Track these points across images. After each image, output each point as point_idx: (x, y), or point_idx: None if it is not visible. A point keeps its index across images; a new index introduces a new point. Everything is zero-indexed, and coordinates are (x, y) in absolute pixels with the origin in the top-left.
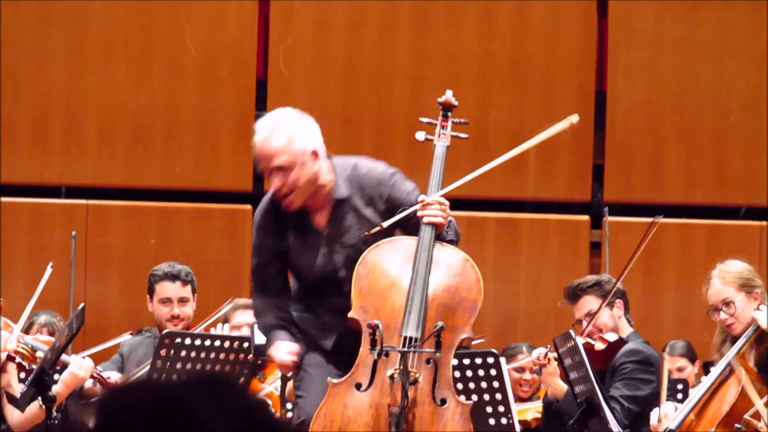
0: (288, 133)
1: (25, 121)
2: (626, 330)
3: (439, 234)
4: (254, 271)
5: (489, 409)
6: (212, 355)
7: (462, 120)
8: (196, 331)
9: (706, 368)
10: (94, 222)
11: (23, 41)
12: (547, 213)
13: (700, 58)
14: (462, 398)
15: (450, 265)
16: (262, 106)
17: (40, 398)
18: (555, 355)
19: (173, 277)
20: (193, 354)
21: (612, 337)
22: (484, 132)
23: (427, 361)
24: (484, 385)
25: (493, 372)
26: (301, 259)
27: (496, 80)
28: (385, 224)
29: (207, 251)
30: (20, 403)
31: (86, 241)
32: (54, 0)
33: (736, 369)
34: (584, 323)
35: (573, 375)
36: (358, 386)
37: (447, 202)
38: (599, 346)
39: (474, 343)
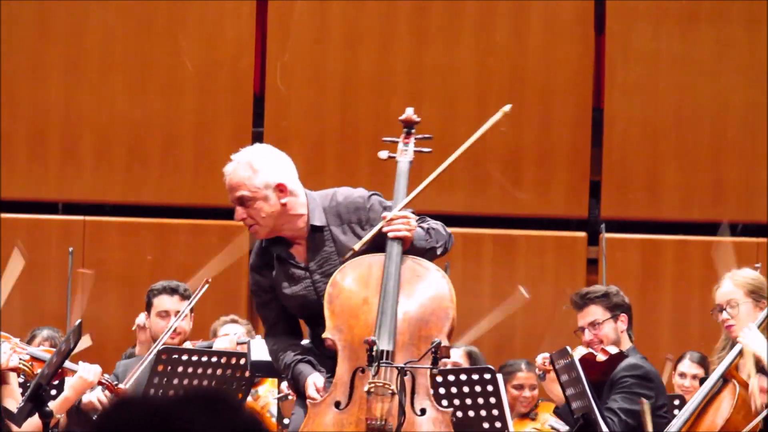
0: (252, 167)
1: (23, 137)
2: (626, 344)
3: (412, 246)
4: (258, 312)
5: (486, 425)
6: (209, 371)
7: (426, 135)
8: (193, 347)
9: (702, 383)
10: (91, 238)
11: (21, 57)
12: (544, 229)
13: (698, 75)
14: (452, 408)
15: (419, 276)
16: (259, 123)
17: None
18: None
19: (172, 291)
20: (189, 370)
21: (613, 349)
22: (480, 148)
23: (404, 373)
24: (481, 401)
25: (490, 388)
26: (285, 291)
27: (493, 96)
28: (356, 246)
29: (204, 267)
30: (17, 419)
31: (83, 257)
32: (51, 16)
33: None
34: (587, 332)
35: (570, 391)
36: (338, 405)
37: (411, 215)
38: (601, 357)
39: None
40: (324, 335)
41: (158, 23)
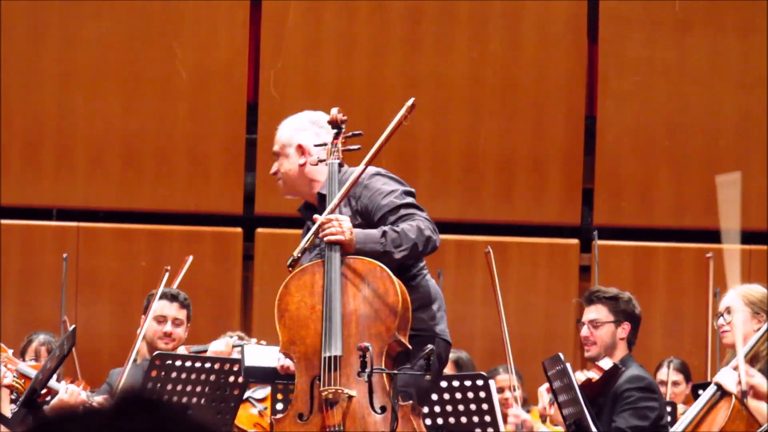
0: (285, 124)
1: (17, 145)
2: (621, 352)
3: (361, 250)
4: None
5: (478, 431)
6: (202, 377)
7: (356, 132)
8: (187, 353)
9: (695, 391)
10: (85, 244)
11: (15, 66)
12: (536, 237)
13: (690, 83)
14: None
15: (362, 276)
16: (252, 130)
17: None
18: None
19: (172, 297)
20: (183, 375)
21: (607, 364)
22: (474, 156)
23: (358, 374)
24: (473, 407)
25: (482, 394)
26: (304, 259)
27: (487, 104)
28: (295, 252)
29: (197, 274)
30: (11, 424)
31: (77, 263)
32: (45, 24)
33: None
34: (585, 327)
35: (562, 398)
36: (300, 416)
37: (341, 218)
38: (595, 377)
39: None
40: (280, 350)
41: (152, 31)
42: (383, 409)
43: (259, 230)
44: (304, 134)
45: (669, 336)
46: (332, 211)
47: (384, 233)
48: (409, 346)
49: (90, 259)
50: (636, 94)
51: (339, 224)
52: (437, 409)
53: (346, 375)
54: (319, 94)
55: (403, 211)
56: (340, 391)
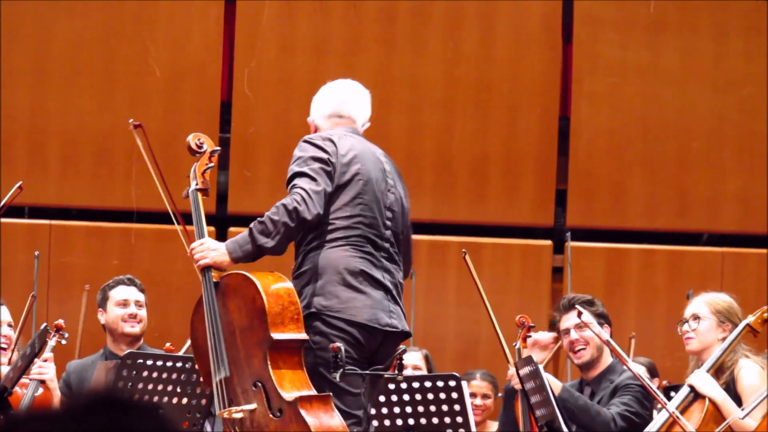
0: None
1: None
2: (609, 355)
3: (238, 259)
4: None
5: None
6: (174, 376)
7: (214, 149)
8: (158, 352)
9: (667, 393)
10: (57, 242)
11: None
12: (509, 237)
13: (664, 84)
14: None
15: (231, 289)
16: (226, 129)
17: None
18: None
19: (129, 281)
20: (155, 375)
21: None
22: (447, 156)
23: (254, 385)
24: (445, 408)
25: (454, 395)
26: None
27: (460, 105)
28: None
29: (170, 273)
30: None
31: (49, 261)
32: (17, 21)
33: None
34: (572, 332)
35: (534, 399)
36: None
37: (203, 241)
38: None
39: None
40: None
41: (125, 28)
42: (281, 411)
43: (232, 230)
44: (313, 107)
45: (641, 337)
46: (198, 238)
47: (250, 230)
48: (305, 337)
49: (62, 257)
50: (610, 95)
51: (200, 250)
52: (408, 409)
53: (243, 390)
54: (293, 93)
55: (294, 182)
56: (237, 410)
